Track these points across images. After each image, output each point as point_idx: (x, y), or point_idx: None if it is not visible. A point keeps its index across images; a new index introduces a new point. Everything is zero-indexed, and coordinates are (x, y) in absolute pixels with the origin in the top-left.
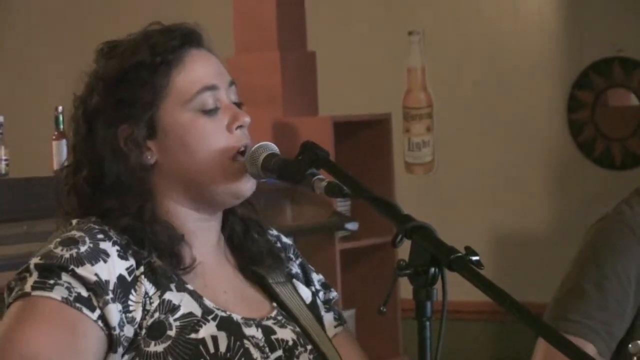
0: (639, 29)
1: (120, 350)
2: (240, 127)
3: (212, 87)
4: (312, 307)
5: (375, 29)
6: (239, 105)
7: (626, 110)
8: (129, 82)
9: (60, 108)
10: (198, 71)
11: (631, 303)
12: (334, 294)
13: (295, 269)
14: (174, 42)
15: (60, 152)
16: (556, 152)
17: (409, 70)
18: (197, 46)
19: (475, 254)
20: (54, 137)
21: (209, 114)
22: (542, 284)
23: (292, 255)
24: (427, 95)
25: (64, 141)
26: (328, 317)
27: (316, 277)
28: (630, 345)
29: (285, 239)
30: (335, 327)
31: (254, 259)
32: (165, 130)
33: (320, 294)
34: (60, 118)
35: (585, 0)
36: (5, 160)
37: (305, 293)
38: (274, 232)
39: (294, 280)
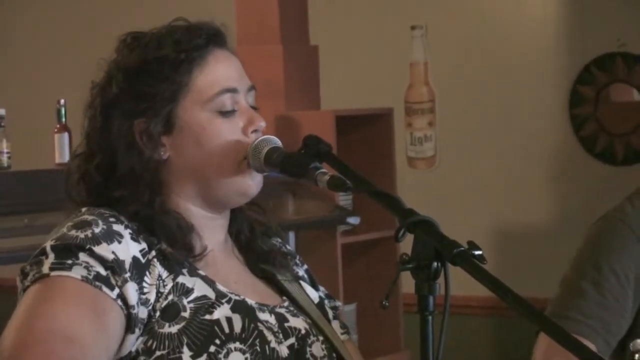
0: None
1: (138, 331)
2: (255, 131)
3: (232, 90)
4: (320, 307)
5: (377, 23)
6: (255, 109)
7: (628, 106)
8: (150, 75)
9: (62, 101)
10: (220, 72)
11: (631, 302)
12: (338, 303)
13: (302, 272)
14: (199, 40)
15: (62, 145)
16: (558, 147)
17: (412, 64)
18: (221, 46)
19: (478, 249)
20: (55, 130)
21: (226, 115)
22: (545, 278)
23: (297, 261)
24: (430, 89)
25: (65, 134)
26: (335, 324)
27: (321, 287)
28: (631, 344)
29: (290, 247)
30: (342, 334)
31: (263, 257)
32: (182, 127)
33: (326, 302)
34: (63, 111)
35: None
36: (7, 153)
37: (313, 294)
38: (279, 240)
39: (301, 282)
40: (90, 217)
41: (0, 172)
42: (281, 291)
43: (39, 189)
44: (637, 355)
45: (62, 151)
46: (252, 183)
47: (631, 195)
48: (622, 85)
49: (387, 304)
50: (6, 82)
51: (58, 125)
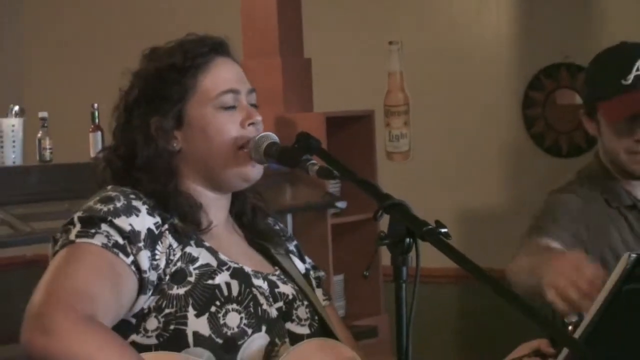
0: (583, 39)
1: (149, 292)
2: (252, 124)
3: (234, 91)
4: (306, 277)
5: (360, 39)
6: (255, 106)
7: (572, 108)
8: (163, 80)
9: (95, 105)
10: (222, 75)
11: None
12: (322, 273)
13: (292, 247)
14: (203, 49)
15: (96, 142)
16: (512, 142)
17: (389, 74)
18: (223, 55)
19: (444, 227)
20: (90, 130)
21: (228, 110)
22: (499, 252)
23: (289, 237)
24: (405, 95)
25: (99, 133)
26: (318, 292)
27: (308, 259)
28: (565, 319)
29: (282, 226)
30: (324, 300)
31: (261, 234)
32: (190, 122)
33: (311, 272)
34: (96, 113)
35: (536, 13)
36: (50, 148)
37: (300, 266)
38: (273, 219)
39: (291, 255)
40: (113, 194)
41: (44, 165)
42: (274, 262)
43: (76, 179)
44: (570, 327)
45: (95, 147)
46: (250, 170)
47: (576, 176)
48: (567, 91)
49: (367, 274)
50: (49, 89)
51: (92, 126)
